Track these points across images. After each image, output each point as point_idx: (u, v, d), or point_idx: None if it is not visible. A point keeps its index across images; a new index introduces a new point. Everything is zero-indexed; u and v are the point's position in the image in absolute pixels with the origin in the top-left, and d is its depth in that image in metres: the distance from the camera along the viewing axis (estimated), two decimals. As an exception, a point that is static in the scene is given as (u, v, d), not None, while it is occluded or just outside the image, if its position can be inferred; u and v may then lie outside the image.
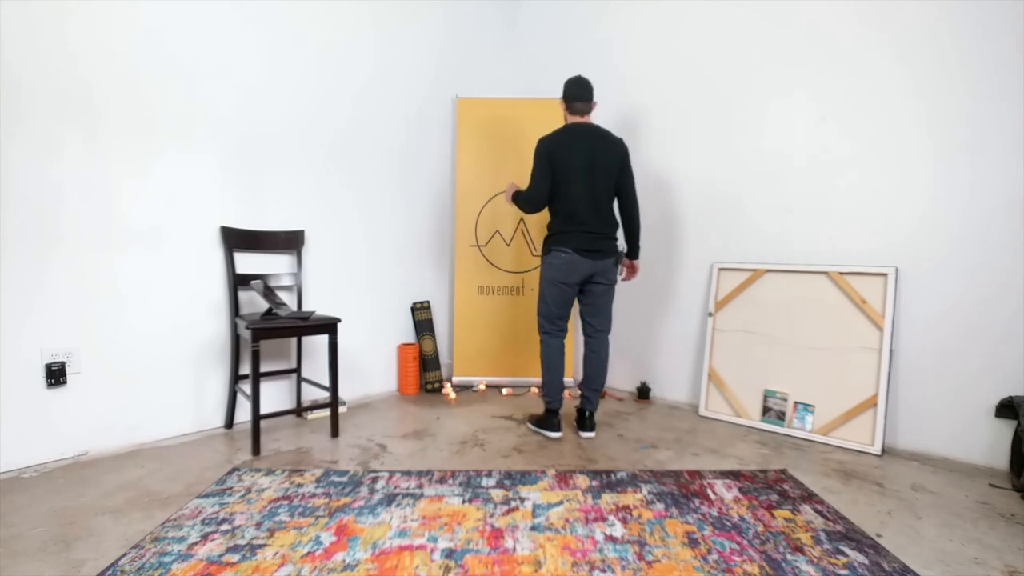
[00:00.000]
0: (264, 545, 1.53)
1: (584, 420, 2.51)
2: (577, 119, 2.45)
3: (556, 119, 3.29)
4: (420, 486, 1.92)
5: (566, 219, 2.39)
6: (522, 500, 1.82)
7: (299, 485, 1.92)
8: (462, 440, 2.44)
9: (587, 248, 2.37)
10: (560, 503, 1.81)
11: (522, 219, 3.37)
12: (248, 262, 2.60)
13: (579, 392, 2.56)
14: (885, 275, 2.39)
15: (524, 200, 2.47)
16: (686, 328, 3.07)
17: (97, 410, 2.19)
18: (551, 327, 2.49)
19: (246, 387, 2.51)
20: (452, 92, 3.53)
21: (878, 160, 2.42)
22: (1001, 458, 2.16)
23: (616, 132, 3.29)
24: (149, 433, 2.34)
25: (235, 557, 1.46)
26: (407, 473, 2.04)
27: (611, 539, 1.58)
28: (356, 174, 3.04)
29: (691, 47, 2.99)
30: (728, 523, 1.69)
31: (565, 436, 2.50)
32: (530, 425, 2.59)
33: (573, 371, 3.41)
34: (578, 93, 2.42)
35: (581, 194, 2.36)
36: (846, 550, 1.55)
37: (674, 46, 3.06)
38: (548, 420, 2.50)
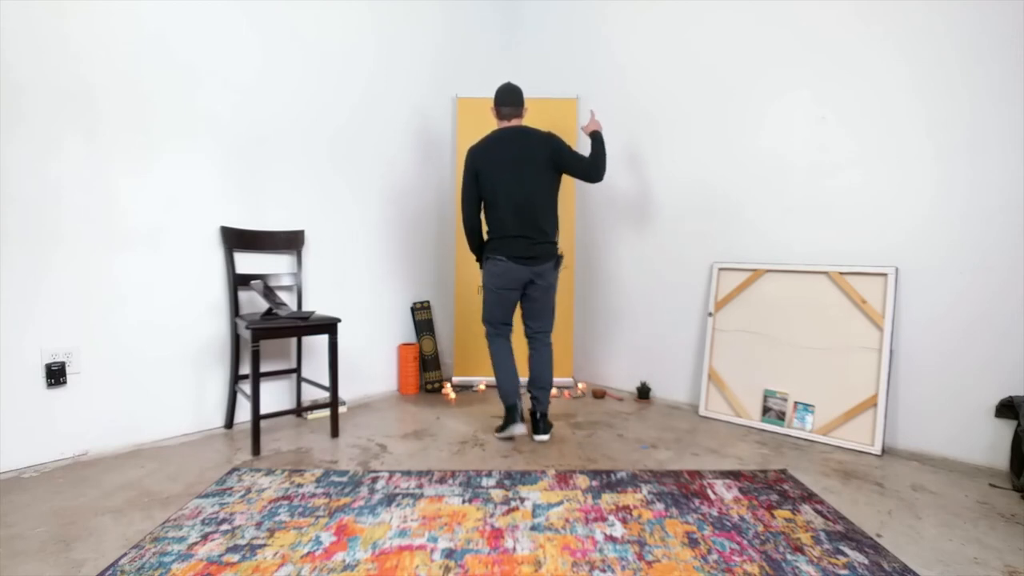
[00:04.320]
0: (264, 545, 1.53)
1: (536, 423, 2.45)
2: (504, 124, 2.46)
3: (557, 119, 3.31)
4: (420, 486, 1.92)
5: (497, 227, 2.39)
6: (522, 500, 1.82)
7: (299, 485, 1.92)
8: (462, 440, 2.44)
9: (522, 255, 2.36)
10: (560, 503, 1.81)
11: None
12: (248, 262, 2.60)
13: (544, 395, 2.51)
14: (885, 275, 2.39)
15: (462, 217, 2.50)
16: (686, 328, 3.07)
17: (97, 410, 2.19)
18: (494, 331, 2.50)
19: (246, 387, 2.52)
20: (452, 92, 3.53)
21: (878, 160, 2.42)
22: (1001, 458, 2.16)
23: (617, 131, 3.32)
24: (149, 433, 2.34)
25: (235, 557, 1.47)
26: (407, 473, 2.04)
27: (611, 539, 1.58)
28: (356, 174, 3.05)
29: (693, 47, 2.99)
30: (728, 523, 1.69)
31: (565, 436, 2.50)
32: (496, 434, 2.48)
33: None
34: (504, 99, 2.43)
35: (508, 201, 2.35)
36: (846, 550, 1.55)
37: (676, 46, 3.06)
38: (509, 416, 2.44)
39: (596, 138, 2.47)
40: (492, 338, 2.51)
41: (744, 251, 2.85)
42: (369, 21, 3.05)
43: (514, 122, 2.45)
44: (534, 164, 2.35)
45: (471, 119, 3.37)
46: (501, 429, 2.46)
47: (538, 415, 2.46)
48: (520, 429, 2.43)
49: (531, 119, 3.22)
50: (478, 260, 2.56)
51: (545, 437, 2.45)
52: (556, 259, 2.44)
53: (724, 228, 2.91)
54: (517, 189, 2.34)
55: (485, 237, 2.50)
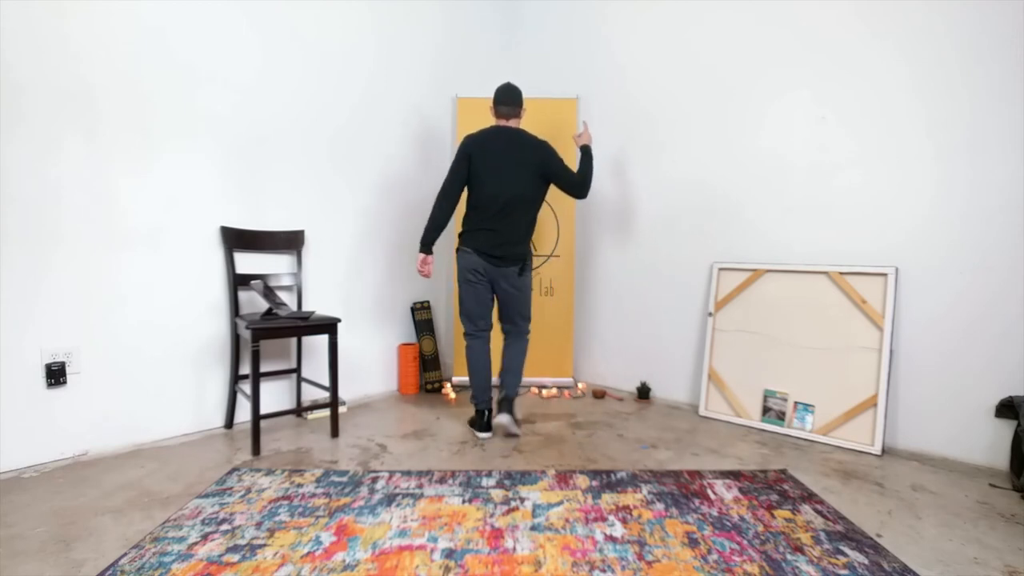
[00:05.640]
0: (264, 545, 1.53)
1: (499, 403, 2.45)
2: (502, 122, 2.46)
3: (556, 119, 3.31)
4: (420, 486, 1.92)
5: (475, 218, 2.40)
6: (522, 500, 1.82)
7: (299, 485, 1.92)
8: (462, 440, 2.44)
9: (487, 252, 2.37)
10: (560, 503, 1.81)
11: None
12: (248, 262, 2.60)
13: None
14: (885, 275, 2.38)
15: (438, 195, 2.43)
16: (686, 328, 3.07)
17: (97, 410, 2.19)
18: (471, 327, 2.51)
19: (246, 387, 2.51)
20: (452, 92, 3.53)
21: (878, 160, 2.42)
22: (1001, 458, 2.16)
23: (617, 131, 3.32)
24: (149, 433, 2.34)
25: (235, 557, 1.47)
26: (407, 473, 2.04)
27: (611, 539, 1.58)
28: (356, 174, 3.05)
29: (693, 47, 2.99)
30: (728, 523, 1.69)
31: (565, 436, 2.50)
32: (469, 424, 2.59)
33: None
34: (503, 98, 2.44)
35: (491, 194, 2.35)
36: (846, 550, 1.55)
37: (676, 46, 3.06)
38: (477, 421, 2.49)
39: (586, 153, 2.50)
40: (468, 338, 2.54)
41: (744, 251, 2.85)
42: (369, 21, 3.05)
43: (512, 122, 2.46)
44: (524, 167, 2.37)
45: (471, 119, 3.36)
46: (471, 424, 2.54)
47: (502, 397, 2.45)
48: (485, 436, 2.46)
49: (531, 119, 3.22)
50: (423, 244, 2.43)
51: (504, 419, 2.40)
52: (522, 264, 2.42)
53: (724, 228, 2.91)
54: (503, 186, 2.35)
55: (459, 230, 2.50)
